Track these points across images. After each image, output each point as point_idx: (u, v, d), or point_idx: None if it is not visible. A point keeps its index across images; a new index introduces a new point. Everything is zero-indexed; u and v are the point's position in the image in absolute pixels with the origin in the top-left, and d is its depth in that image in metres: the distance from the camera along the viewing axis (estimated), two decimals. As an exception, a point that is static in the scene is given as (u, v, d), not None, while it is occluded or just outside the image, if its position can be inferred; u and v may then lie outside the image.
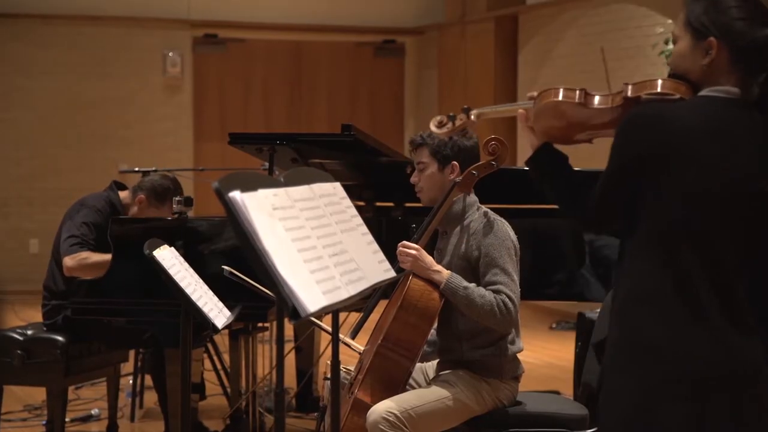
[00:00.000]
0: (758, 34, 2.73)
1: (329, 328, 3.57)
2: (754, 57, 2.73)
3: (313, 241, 2.77)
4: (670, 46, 8.65)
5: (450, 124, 3.14)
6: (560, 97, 2.85)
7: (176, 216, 5.37)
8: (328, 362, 3.30)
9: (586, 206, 2.83)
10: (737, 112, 2.72)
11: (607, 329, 2.86)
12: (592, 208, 2.82)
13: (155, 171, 7.07)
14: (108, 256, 5.30)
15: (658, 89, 2.76)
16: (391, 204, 6.42)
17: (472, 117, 3.11)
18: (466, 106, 3.11)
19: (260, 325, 5.87)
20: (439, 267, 4.19)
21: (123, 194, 5.78)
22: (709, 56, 2.74)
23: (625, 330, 2.75)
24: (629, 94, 2.78)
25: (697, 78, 2.78)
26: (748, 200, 2.72)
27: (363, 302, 4.59)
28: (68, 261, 5.45)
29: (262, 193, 2.67)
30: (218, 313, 4.32)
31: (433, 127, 3.18)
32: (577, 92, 2.85)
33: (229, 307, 4.50)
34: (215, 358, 6.63)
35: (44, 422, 5.86)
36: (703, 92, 2.76)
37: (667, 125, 2.68)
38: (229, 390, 6.27)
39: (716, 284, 2.68)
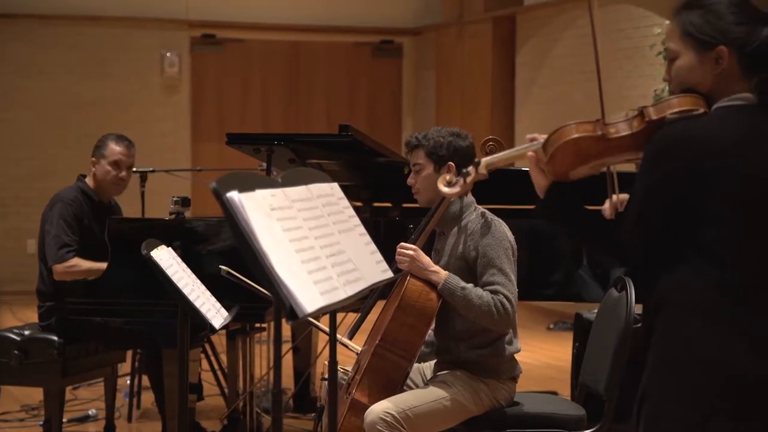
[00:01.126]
0: (760, 35, 2.68)
1: (327, 329, 3.57)
2: (760, 60, 2.69)
3: (310, 242, 2.77)
4: (668, 46, 8.68)
5: (461, 181, 2.96)
6: (579, 133, 2.73)
7: (173, 216, 5.37)
8: (326, 363, 3.29)
9: (616, 238, 2.74)
10: (758, 119, 2.68)
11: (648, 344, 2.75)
12: (625, 238, 2.72)
13: (152, 171, 7.10)
14: (98, 265, 5.34)
15: (682, 107, 2.69)
16: (388, 204, 6.43)
17: (482, 169, 2.96)
18: (476, 159, 2.96)
19: (258, 325, 5.87)
20: (436, 267, 4.19)
21: (87, 179, 5.83)
22: (719, 65, 2.69)
23: (671, 344, 2.67)
24: (654, 117, 2.69)
25: (708, 89, 2.72)
26: None
27: (361, 303, 4.60)
28: (58, 268, 5.50)
29: (260, 193, 2.67)
30: (216, 314, 4.32)
31: (442, 187, 2.98)
32: (594, 125, 2.74)
33: (227, 308, 4.50)
34: (213, 358, 6.63)
35: (41, 423, 5.85)
36: (722, 103, 2.70)
37: (703, 143, 2.63)
38: (226, 390, 6.27)
39: (760, 299, 2.64)
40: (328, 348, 3.21)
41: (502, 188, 5.79)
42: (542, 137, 2.82)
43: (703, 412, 2.62)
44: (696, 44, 2.72)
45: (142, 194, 7.07)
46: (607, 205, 2.93)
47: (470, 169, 2.96)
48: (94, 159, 5.85)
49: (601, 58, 2.97)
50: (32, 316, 5.80)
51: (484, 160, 2.96)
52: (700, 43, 2.71)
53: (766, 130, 2.68)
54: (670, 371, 2.67)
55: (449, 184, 3.00)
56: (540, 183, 2.83)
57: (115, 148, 5.83)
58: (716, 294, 2.63)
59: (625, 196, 2.87)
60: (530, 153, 2.82)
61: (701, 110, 2.69)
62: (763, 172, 2.65)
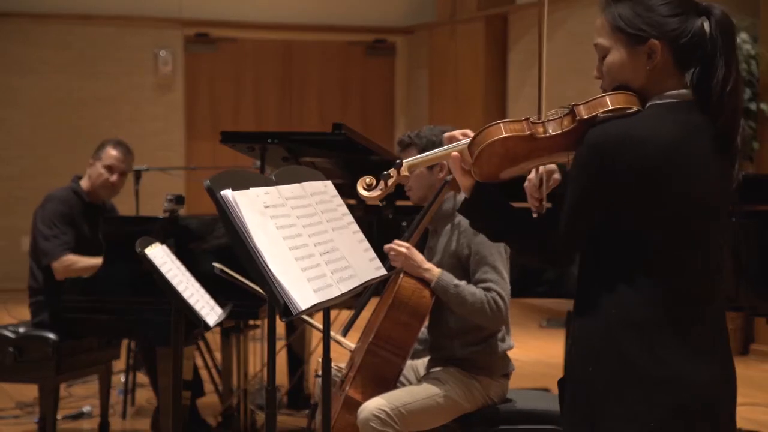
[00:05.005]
0: (693, 26, 2.57)
1: (320, 326, 3.59)
2: (694, 52, 2.58)
3: (304, 239, 2.79)
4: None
5: (382, 184, 2.78)
6: (506, 133, 2.59)
7: (168, 214, 5.39)
8: (319, 360, 3.31)
9: (546, 241, 2.62)
10: (693, 117, 2.57)
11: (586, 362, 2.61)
12: (557, 242, 2.60)
13: (146, 170, 7.11)
14: (95, 261, 5.37)
15: (614, 105, 2.56)
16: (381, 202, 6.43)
17: (404, 171, 2.78)
18: (398, 160, 2.78)
19: (252, 322, 5.89)
20: (429, 265, 4.21)
21: (82, 181, 5.90)
22: (652, 60, 2.57)
23: (611, 363, 2.54)
24: (584, 115, 2.57)
25: (641, 86, 2.59)
26: (715, 213, 2.59)
27: (354, 300, 4.61)
28: (57, 267, 5.58)
29: (254, 191, 2.68)
30: (210, 311, 4.33)
31: (361, 191, 2.82)
32: (523, 124, 2.61)
33: (221, 305, 4.52)
34: (207, 356, 6.64)
35: (36, 419, 5.87)
36: (655, 101, 2.59)
37: (638, 145, 2.50)
38: (220, 388, 6.28)
39: (701, 309, 2.56)
40: (321, 345, 3.23)
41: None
42: (465, 133, 2.70)
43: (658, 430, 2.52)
44: (627, 39, 2.60)
45: (136, 192, 7.08)
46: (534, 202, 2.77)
47: (391, 170, 2.78)
48: (91, 160, 5.91)
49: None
50: (26, 313, 5.82)
51: (406, 161, 2.79)
52: (631, 37, 2.59)
53: (701, 128, 2.56)
54: (616, 397, 2.54)
55: (369, 187, 2.83)
56: (464, 183, 2.70)
57: (111, 153, 5.87)
58: (657, 307, 2.52)
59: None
60: (454, 153, 2.70)
61: (634, 108, 2.56)
62: (699, 175, 2.54)
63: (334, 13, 13.57)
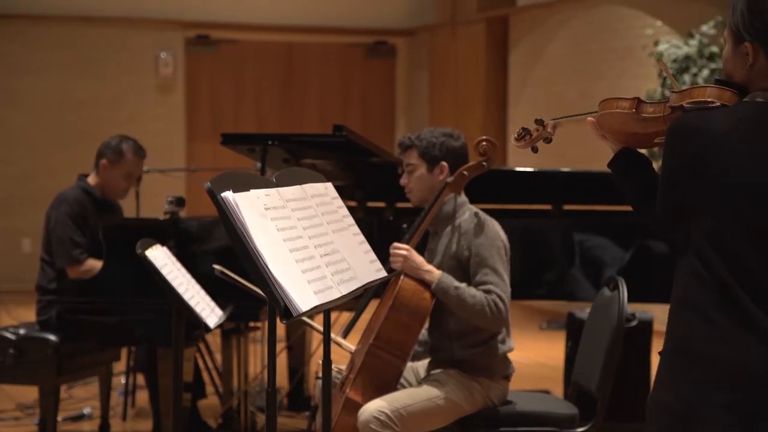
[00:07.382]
0: None
1: (321, 328, 3.60)
2: None
3: (304, 241, 2.79)
4: (660, 47, 8.73)
5: (528, 137, 3.22)
6: (614, 109, 2.85)
7: (168, 216, 5.39)
8: (320, 361, 3.31)
9: (650, 212, 2.80)
10: None
11: None
12: (655, 215, 2.78)
13: (147, 171, 7.10)
14: None
15: (700, 98, 2.71)
16: (382, 204, 6.44)
17: (549, 128, 3.21)
18: (538, 118, 3.21)
19: (252, 324, 5.89)
20: (430, 267, 4.21)
21: (89, 178, 5.84)
22: (748, 61, 2.66)
23: (670, 338, 2.70)
24: (674, 103, 2.74)
25: (742, 81, 2.70)
26: None
27: (354, 302, 4.61)
28: (74, 270, 5.56)
29: (254, 193, 2.69)
30: (210, 313, 4.34)
31: (512, 140, 3.26)
32: (630, 102, 2.84)
33: (221, 307, 4.52)
34: (207, 357, 6.64)
35: (37, 421, 5.87)
36: (746, 98, 2.68)
37: (699, 134, 2.61)
38: (221, 389, 6.29)
39: (754, 292, 2.59)
40: (322, 347, 3.23)
41: (495, 188, 5.84)
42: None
43: (694, 404, 2.60)
44: (732, 35, 2.70)
45: (137, 194, 7.08)
46: None
47: (537, 126, 3.19)
48: (105, 161, 5.76)
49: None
50: (27, 315, 5.83)
51: (552, 119, 3.19)
52: (734, 35, 2.69)
53: None
54: (667, 361, 2.69)
55: (518, 136, 3.24)
56: (610, 147, 2.96)
57: (131, 159, 5.77)
58: (703, 290, 2.62)
59: None
60: (589, 119, 2.96)
61: (717, 103, 2.67)
62: (756, 175, 2.59)
63: (334, 14, 13.58)
